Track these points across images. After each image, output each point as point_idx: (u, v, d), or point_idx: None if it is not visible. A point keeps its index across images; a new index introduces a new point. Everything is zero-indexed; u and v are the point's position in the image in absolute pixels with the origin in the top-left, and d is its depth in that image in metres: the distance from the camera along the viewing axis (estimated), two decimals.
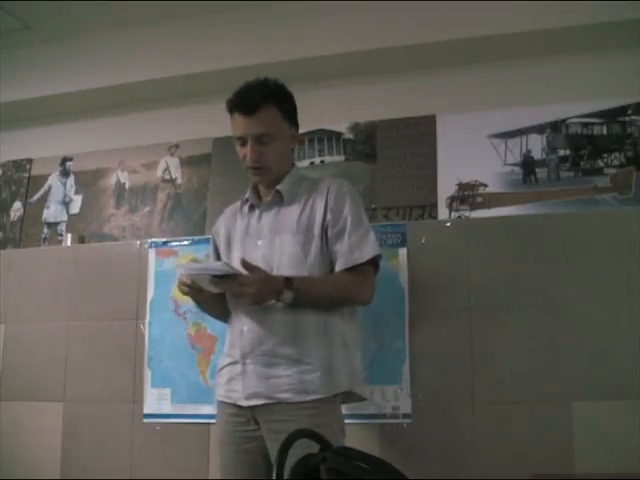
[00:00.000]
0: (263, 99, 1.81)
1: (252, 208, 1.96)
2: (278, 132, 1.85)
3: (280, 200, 1.90)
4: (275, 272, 1.80)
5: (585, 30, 2.56)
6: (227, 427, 1.86)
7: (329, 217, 1.83)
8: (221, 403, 1.89)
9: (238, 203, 2.04)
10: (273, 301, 1.77)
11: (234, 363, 1.85)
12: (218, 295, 1.88)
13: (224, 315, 2.01)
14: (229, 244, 1.97)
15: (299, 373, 1.75)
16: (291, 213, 1.87)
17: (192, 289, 1.83)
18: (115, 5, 2.98)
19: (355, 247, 1.81)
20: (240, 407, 1.81)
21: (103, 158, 3.37)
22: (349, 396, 1.87)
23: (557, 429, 2.26)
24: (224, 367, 1.90)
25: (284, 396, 1.74)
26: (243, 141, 1.84)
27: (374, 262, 1.86)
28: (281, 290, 1.72)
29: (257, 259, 1.81)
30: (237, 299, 1.78)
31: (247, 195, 1.97)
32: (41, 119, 3.44)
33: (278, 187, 1.89)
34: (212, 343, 2.72)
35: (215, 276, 1.72)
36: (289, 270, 1.78)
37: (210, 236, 2.14)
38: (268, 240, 1.86)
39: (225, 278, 1.71)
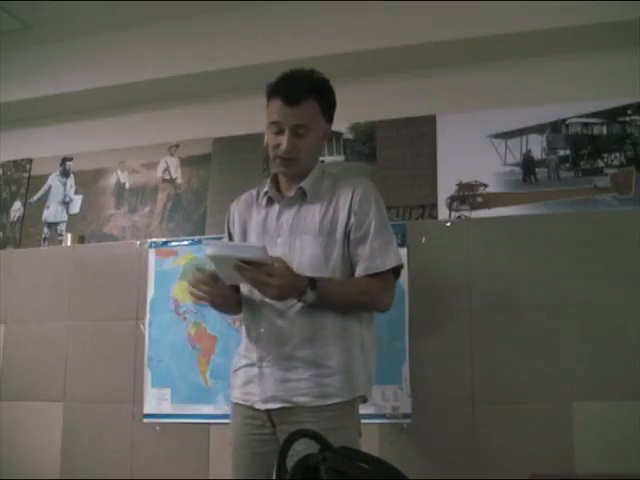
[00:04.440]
0: (307, 91, 1.77)
1: (270, 202, 1.88)
2: (315, 126, 1.79)
3: (302, 197, 1.83)
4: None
5: (585, 30, 2.56)
6: (242, 430, 1.81)
7: (353, 220, 1.79)
8: (236, 405, 1.85)
9: (254, 192, 1.95)
10: (294, 301, 1.72)
11: (251, 365, 1.80)
12: (234, 294, 1.82)
13: (237, 312, 1.96)
14: (244, 236, 1.91)
15: (317, 377, 1.72)
16: (313, 212, 1.81)
17: (211, 295, 1.76)
18: (115, 5, 2.98)
19: (377, 253, 1.77)
20: (256, 410, 1.78)
21: (103, 158, 3.37)
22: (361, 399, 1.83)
23: (557, 429, 2.26)
24: (240, 368, 1.85)
25: (302, 400, 1.71)
26: (279, 128, 1.78)
27: (395, 269, 1.82)
28: (304, 290, 1.68)
29: None
30: (259, 290, 1.69)
31: (266, 187, 1.90)
32: (41, 119, 3.44)
33: (302, 184, 1.82)
34: (212, 343, 2.72)
35: (243, 262, 1.62)
36: (309, 272, 1.73)
37: (225, 225, 2.01)
38: (288, 239, 1.80)
39: (251, 266, 1.61)
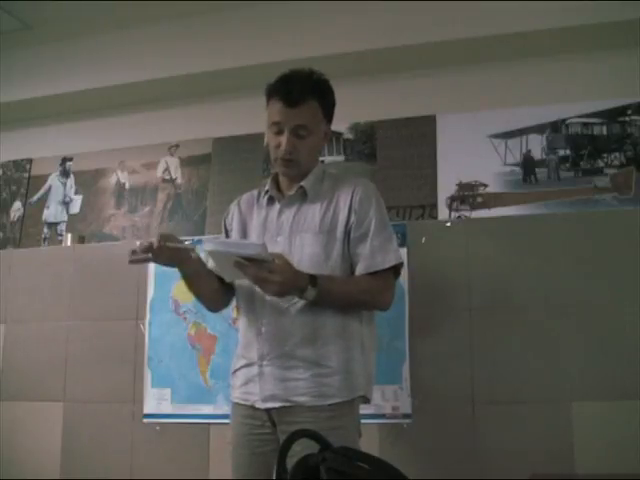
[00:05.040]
0: (308, 93, 1.77)
1: (271, 201, 1.89)
2: (316, 127, 1.80)
3: (303, 196, 1.83)
4: None
5: (585, 30, 2.56)
6: (242, 429, 1.81)
7: (353, 219, 1.79)
8: (236, 405, 1.85)
9: (255, 192, 1.96)
10: (294, 299, 1.72)
11: (250, 365, 1.80)
12: (207, 272, 1.80)
13: (209, 298, 1.92)
14: (244, 234, 1.91)
15: (317, 376, 1.72)
16: (314, 211, 1.81)
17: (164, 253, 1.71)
18: (115, 5, 2.98)
19: (377, 252, 1.77)
20: (256, 409, 1.78)
21: (103, 158, 3.37)
22: (362, 399, 1.82)
23: (557, 429, 2.26)
24: (239, 369, 1.85)
25: (301, 399, 1.71)
26: (279, 129, 1.78)
27: (395, 268, 1.82)
28: (305, 287, 1.67)
29: None
30: (260, 286, 1.69)
31: (267, 187, 1.90)
32: (41, 119, 3.44)
33: (302, 183, 1.83)
34: (212, 343, 2.72)
35: (243, 258, 1.62)
36: (309, 270, 1.72)
37: (222, 223, 2.01)
38: (288, 237, 1.80)
39: (252, 262, 1.61)
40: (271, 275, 1.62)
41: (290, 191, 1.86)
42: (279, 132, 1.79)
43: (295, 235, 1.80)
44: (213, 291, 1.91)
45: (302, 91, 1.76)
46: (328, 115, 1.86)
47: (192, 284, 1.89)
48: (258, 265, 1.62)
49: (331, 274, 1.76)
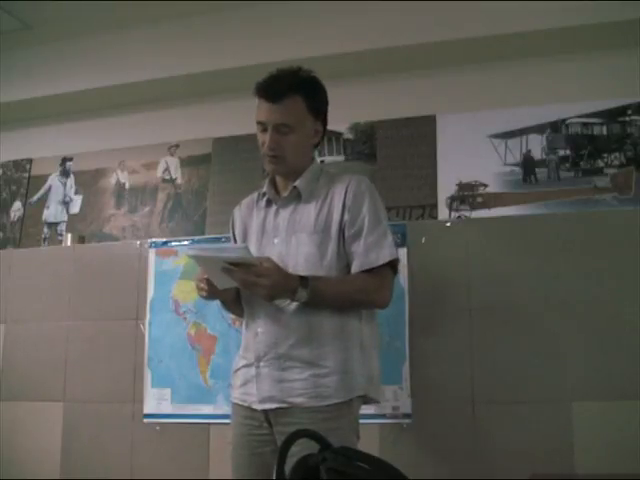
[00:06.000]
0: (290, 89, 1.76)
1: (269, 203, 1.89)
2: (299, 124, 1.78)
3: (297, 197, 1.83)
4: (291, 272, 1.73)
5: (585, 30, 2.56)
6: (241, 430, 1.82)
7: (346, 217, 1.78)
8: (235, 405, 1.85)
9: (255, 195, 1.96)
10: (287, 301, 1.72)
11: (249, 365, 1.81)
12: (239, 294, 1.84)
13: (237, 313, 1.99)
14: (245, 238, 1.92)
15: (314, 377, 1.71)
16: (308, 211, 1.81)
17: (211, 290, 1.77)
18: (115, 5, 2.98)
19: (371, 249, 1.76)
20: (253, 410, 1.78)
21: (103, 158, 3.37)
22: (365, 399, 1.81)
23: (557, 429, 2.26)
24: (239, 369, 1.86)
25: (298, 400, 1.71)
26: (263, 127, 1.79)
27: (391, 264, 1.80)
28: (296, 289, 1.67)
29: (273, 257, 1.75)
30: (250, 291, 1.70)
31: (264, 189, 1.90)
32: (41, 119, 3.44)
33: (296, 183, 1.82)
34: (212, 343, 2.72)
35: (230, 263, 1.62)
36: (305, 271, 1.73)
37: (230, 231, 2.04)
38: (284, 238, 1.80)
39: (239, 266, 1.62)
40: (259, 279, 1.63)
41: (285, 192, 1.86)
42: (264, 130, 1.80)
43: (291, 236, 1.81)
44: (235, 302, 1.91)
45: (284, 87, 1.76)
46: (316, 112, 1.83)
47: (225, 305, 1.97)
48: (245, 269, 1.62)
49: (327, 274, 1.76)
